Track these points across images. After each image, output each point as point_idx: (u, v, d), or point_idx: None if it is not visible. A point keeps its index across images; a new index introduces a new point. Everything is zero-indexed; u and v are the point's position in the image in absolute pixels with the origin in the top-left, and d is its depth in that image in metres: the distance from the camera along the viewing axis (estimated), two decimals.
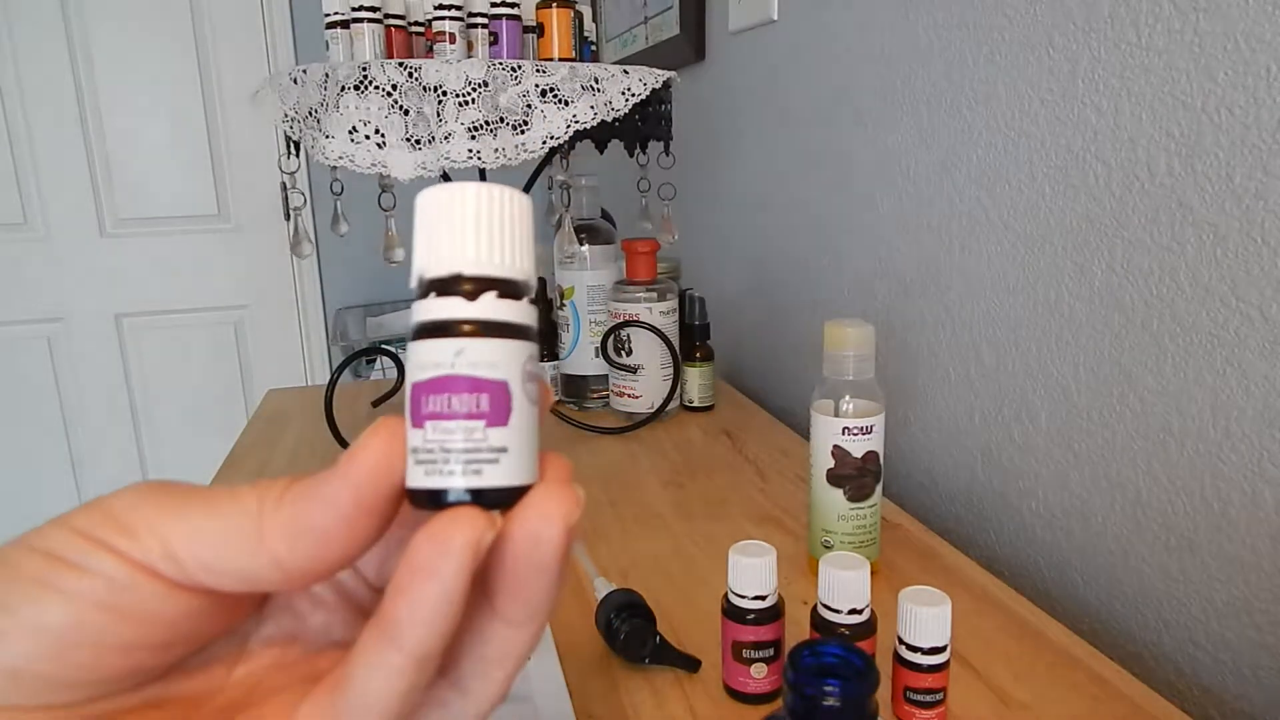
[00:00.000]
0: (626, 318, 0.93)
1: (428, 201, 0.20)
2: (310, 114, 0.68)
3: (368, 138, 0.67)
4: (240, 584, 0.19)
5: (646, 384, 0.95)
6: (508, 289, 0.20)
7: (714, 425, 0.96)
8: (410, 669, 0.18)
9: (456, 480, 0.19)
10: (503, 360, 0.20)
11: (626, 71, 0.72)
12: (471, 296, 0.20)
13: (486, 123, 0.68)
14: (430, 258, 0.20)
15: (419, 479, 0.20)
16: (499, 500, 0.20)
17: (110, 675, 0.19)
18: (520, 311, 0.21)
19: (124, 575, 0.18)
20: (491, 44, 0.73)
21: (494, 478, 0.20)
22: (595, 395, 1.02)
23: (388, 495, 0.20)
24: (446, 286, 0.20)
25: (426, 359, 0.20)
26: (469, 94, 0.67)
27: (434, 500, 0.20)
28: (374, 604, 0.19)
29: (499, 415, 0.20)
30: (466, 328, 0.20)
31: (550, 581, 0.20)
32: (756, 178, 1.13)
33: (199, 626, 0.20)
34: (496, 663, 0.21)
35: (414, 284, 0.21)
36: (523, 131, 0.69)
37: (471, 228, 0.20)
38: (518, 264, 0.21)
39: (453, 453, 0.19)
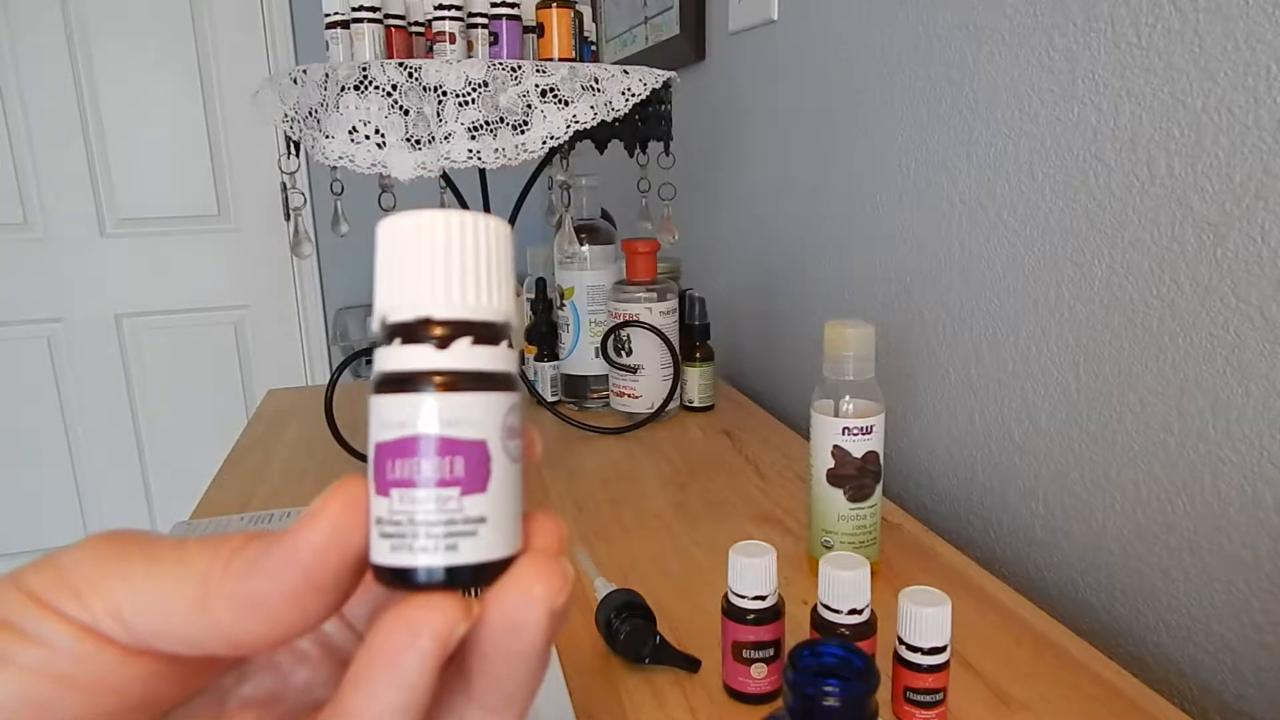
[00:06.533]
0: (626, 318, 0.93)
1: (389, 233, 0.18)
2: (310, 114, 0.68)
3: (368, 138, 0.67)
4: (188, 649, 0.18)
5: (646, 384, 0.95)
6: (484, 333, 0.18)
7: (714, 425, 0.96)
8: None
9: (428, 558, 0.17)
10: (480, 417, 0.18)
11: (626, 71, 0.72)
12: (442, 344, 0.18)
13: (486, 123, 0.68)
14: (394, 298, 0.18)
15: (384, 555, 0.17)
16: (476, 577, 0.18)
17: None
18: (499, 358, 0.18)
19: (72, 643, 0.17)
20: (491, 44, 0.73)
21: (471, 553, 0.17)
22: (595, 395, 1.02)
23: (343, 569, 0.18)
24: (413, 332, 0.18)
25: (391, 417, 0.17)
26: (469, 94, 0.67)
27: (401, 580, 0.17)
28: None
29: (476, 481, 0.17)
30: (437, 380, 0.17)
31: (532, 668, 0.18)
32: (756, 178, 1.13)
33: (156, 691, 0.18)
34: None
35: (375, 327, 0.18)
36: (523, 131, 0.69)
37: (441, 263, 0.17)
38: (495, 303, 0.18)
39: (422, 525, 0.17)
